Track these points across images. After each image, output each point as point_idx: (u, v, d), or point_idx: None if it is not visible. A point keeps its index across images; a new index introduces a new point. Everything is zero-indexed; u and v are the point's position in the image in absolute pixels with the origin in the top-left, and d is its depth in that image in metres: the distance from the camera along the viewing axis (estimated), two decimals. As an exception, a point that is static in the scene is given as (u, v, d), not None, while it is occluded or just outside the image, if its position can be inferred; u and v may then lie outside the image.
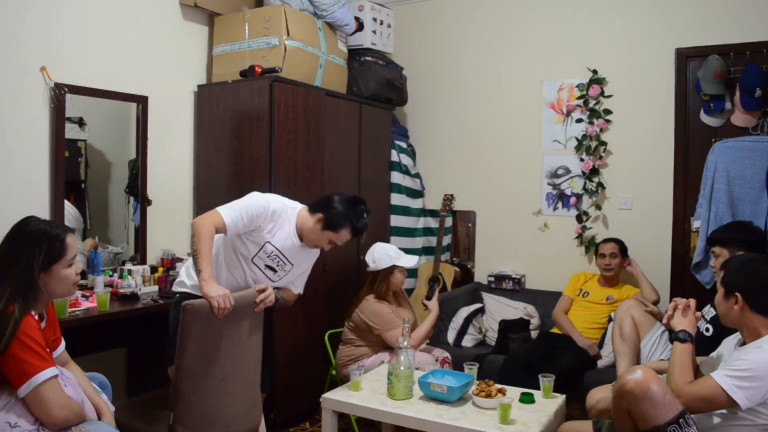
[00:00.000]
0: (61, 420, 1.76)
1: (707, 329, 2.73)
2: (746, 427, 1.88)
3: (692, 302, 2.17)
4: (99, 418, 1.99)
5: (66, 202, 2.98)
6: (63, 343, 2.11)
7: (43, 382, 1.73)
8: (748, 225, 2.94)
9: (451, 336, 3.87)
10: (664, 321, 2.21)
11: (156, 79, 3.38)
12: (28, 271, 1.82)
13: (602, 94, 3.92)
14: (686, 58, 3.67)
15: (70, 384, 1.92)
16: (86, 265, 3.01)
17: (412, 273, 4.33)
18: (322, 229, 2.53)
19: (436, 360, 3.21)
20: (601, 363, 3.42)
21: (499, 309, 3.99)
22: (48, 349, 1.88)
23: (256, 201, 2.48)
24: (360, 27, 4.00)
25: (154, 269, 3.23)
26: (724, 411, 1.93)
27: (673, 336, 2.11)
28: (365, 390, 2.64)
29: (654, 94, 3.79)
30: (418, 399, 2.53)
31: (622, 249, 3.63)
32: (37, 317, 1.84)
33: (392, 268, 3.28)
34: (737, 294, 1.96)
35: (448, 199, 4.38)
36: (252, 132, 3.35)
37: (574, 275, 3.82)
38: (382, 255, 3.29)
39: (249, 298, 2.43)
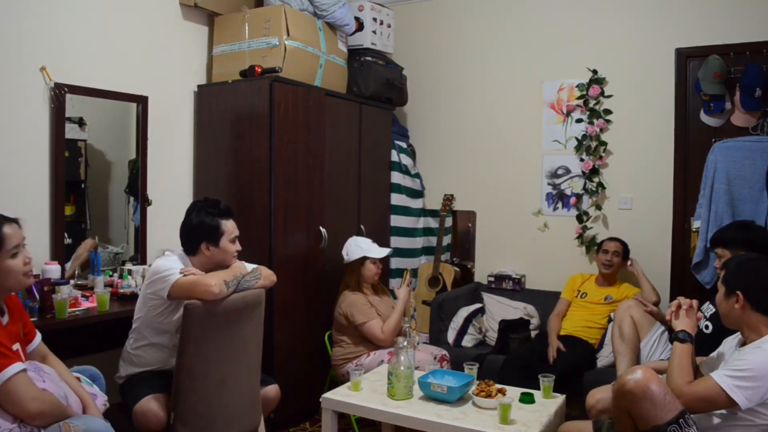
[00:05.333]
0: (36, 412, 1.75)
1: (707, 326, 2.73)
2: (746, 428, 1.88)
3: (695, 303, 2.17)
4: (84, 411, 1.98)
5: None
6: (38, 336, 2.09)
7: (9, 378, 1.72)
8: (750, 225, 2.93)
9: (451, 336, 3.87)
10: (667, 317, 2.22)
11: (156, 79, 3.38)
12: None
13: (602, 94, 3.92)
14: (686, 58, 3.67)
15: (49, 378, 1.91)
16: (86, 265, 3.01)
17: (412, 273, 4.33)
18: (207, 249, 2.47)
19: (435, 358, 3.22)
20: (600, 363, 3.42)
21: (499, 309, 3.99)
22: (18, 344, 1.86)
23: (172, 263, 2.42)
24: (360, 27, 4.00)
25: (154, 269, 3.22)
26: (724, 411, 1.93)
27: (673, 336, 2.11)
28: (365, 390, 2.64)
29: (654, 94, 3.79)
30: (418, 399, 2.52)
31: (625, 250, 3.63)
32: None
33: (363, 260, 3.36)
34: (738, 292, 1.97)
35: (448, 199, 4.38)
36: (252, 132, 3.35)
37: (570, 278, 3.81)
38: (354, 247, 3.40)
39: (250, 299, 2.43)
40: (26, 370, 1.80)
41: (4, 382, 1.72)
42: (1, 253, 1.85)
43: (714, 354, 2.19)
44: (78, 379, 2.14)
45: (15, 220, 1.92)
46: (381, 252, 3.41)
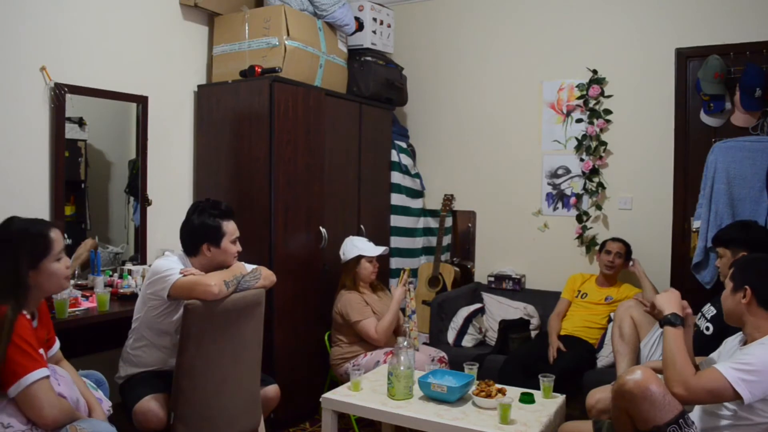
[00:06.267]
0: (51, 420, 1.77)
1: (707, 328, 2.73)
2: (746, 427, 1.88)
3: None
4: (89, 415, 1.99)
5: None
6: (57, 343, 2.12)
7: (33, 383, 1.74)
8: (752, 224, 2.93)
9: (451, 336, 3.87)
10: (647, 309, 2.19)
11: (156, 79, 3.38)
12: (17, 270, 1.83)
13: (602, 94, 3.92)
14: (686, 58, 3.67)
15: (63, 382, 1.92)
16: (86, 265, 3.01)
17: (412, 273, 4.33)
18: (208, 250, 2.47)
19: (433, 360, 3.22)
20: (600, 363, 3.42)
21: (499, 309, 3.99)
22: (41, 349, 1.88)
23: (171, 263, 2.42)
24: (360, 27, 4.00)
25: (154, 269, 3.22)
26: (724, 411, 1.92)
27: (663, 320, 2.03)
28: (365, 390, 2.64)
29: (654, 94, 3.79)
30: (418, 399, 2.53)
31: (628, 251, 3.63)
32: (29, 316, 1.84)
33: (359, 258, 3.37)
34: (747, 287, 1.96)
35: (448, 199, 4.38)
36: (252, 132, 3.35)
37: (570, 277, 3.81)
38: (350, 246, 3.42)
39: (250, 299, 2.43)
40: (49, 376, 1.82)
41: (28, 386, 1.74)
42: (49, 257, 1.91)
43: (714, 354, 2.19)
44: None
45: (58, 226, 2.00)
46: (376, 250, 3.42)
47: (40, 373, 1.77)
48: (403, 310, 3.45)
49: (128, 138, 3.34)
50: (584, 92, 3.97)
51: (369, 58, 4.03)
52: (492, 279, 4.24)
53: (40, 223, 1.96)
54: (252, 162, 3.35)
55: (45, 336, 2.00)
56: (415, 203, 4.49)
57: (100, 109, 3.14)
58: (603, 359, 3.42)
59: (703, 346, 2.45)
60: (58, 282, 1.95)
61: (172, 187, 3.50)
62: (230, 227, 2.51)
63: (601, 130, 3.94)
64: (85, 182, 3.16)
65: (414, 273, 4.36)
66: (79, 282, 2.93)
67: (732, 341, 2.13)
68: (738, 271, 2.04)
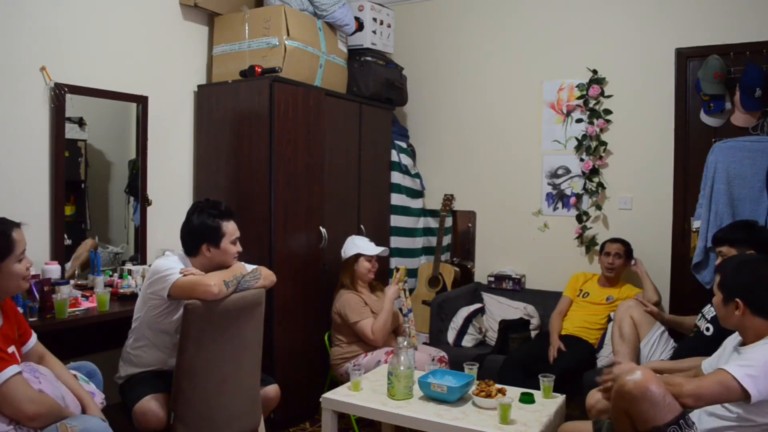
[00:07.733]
0: (33, 413, 1.76)
1: (707, 329, 2.73)
2: (746, 428, 1.88)
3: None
4: (84, 411, 1.98)
5: None
6: (34, 336, 2.09)
7: (5, 381, 1.73)
8: (755, 224, 2.93)
9: (451, 336, 3.87)
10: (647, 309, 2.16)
11: (156, 79, 3.38)
12: None
13: (602, 94, 3.92)
14: (686, 58, 3.67)
15: (45, 380, 1.91)
16: (86, 265, 3.01)
17: (412, 273, 4.33)
18: (207, 251, 2.47)
19: (433, 359, 3.22)
20: (600, 363, 3.42)
21: (499, 309, 3.99)
22: (13, 346, 1.86)
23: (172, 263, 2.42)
24: (360, 27, 4.00)
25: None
26: (726, 413, 1.92)
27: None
28: (365, 390, 2.64)
29: (654, 94, 3.79)
30: (418, 399, 2.53)
31: (628, 251, 3.62)
32: None
33: (357, 257, 3.38)
34: (737, 300, 1.95)
35: (448, 199, 4.38)
36: (252, 132, 3.35)
37: (573, 276, 3.82)
38: (350, 245, 3.44)
39: (249, 299, 2.43)
40: (22, 372, 1.80)
41: (0, 385, 1.72)
42: (10, 258, 1.87)
43: (715, 354, 2.19)
44: (75, 377, 2.13)
45: (19, 225, 1.95)
46: (375, 250, 3.42)
47: (12, 370, 1.76)
48: (401, 309, 3.45)
49: (128, 138, 3.34)
50: (584, 92, 3.97)
51: (369, 58, 4.03)
52: (492, 279, 4.24)
53: (3, 222, 1.91)
54: (252, 162, 3.35)
55: (15, 333, 1.97)
56: (415, 203, 4.49)
57: (100, 109, 3.14)
58: (603, 359, 3.42)
59: (704, 346, 2.45)
60: (17, 283, 1.92)
61: (172, 187, 3.50)
62: (230, 227, 2.51)
63: (601, 130, 3.94)
64: (85, 182, 3.16)
65: (414, 273, 4.36)
66: (79, 282, 2.93)
67: (732, 341, 2.13)
68: (725, 279, 2.02)
